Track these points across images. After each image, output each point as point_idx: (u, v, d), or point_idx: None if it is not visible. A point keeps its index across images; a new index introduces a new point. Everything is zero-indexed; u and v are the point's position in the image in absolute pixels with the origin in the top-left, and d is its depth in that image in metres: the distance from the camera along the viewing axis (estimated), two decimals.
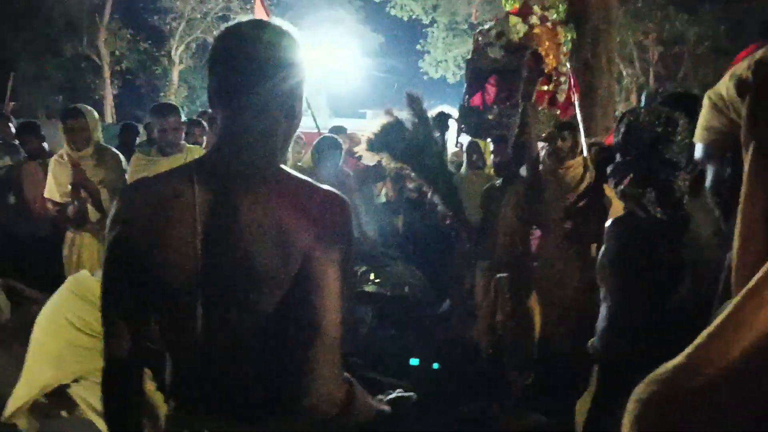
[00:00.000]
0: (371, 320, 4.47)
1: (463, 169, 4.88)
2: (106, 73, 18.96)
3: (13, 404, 1.87)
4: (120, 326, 1.16)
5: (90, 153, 3.63)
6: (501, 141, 3.64)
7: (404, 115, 3.30)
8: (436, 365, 3.87)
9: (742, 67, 0.68)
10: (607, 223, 1.71)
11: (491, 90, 4.37)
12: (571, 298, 3.12)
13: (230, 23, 1.17)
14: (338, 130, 5.55)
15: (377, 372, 4.07)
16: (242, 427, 1.15)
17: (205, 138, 4.48)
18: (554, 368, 2.92)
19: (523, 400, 3.01)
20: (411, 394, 1.41)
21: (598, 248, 1.83)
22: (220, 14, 19.04)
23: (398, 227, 5.53)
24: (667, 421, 0.59)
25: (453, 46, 17.35)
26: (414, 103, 3.29)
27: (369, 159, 3.43)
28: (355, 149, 3.55)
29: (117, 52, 19.20)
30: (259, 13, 5.36)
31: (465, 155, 4.88)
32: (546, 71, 3.98)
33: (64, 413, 1.86)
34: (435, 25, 17.26)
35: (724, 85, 0.71)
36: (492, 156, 3.85)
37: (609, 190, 2.71)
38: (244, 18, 1.18)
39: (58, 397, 1.84)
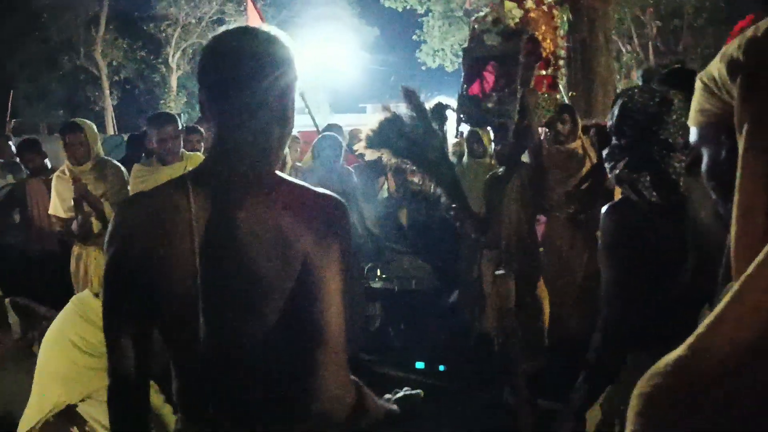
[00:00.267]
0: (380, 316, 4.47)
1: (464, 159, 4.86)
2: (105, 84, 19.02)
3: (23, 427, 1.88)
4: (123, 342, 1.16)
5: (90, 167, 3.64)
6: (502, 129, 3.61)
7: (402, 109, 3.27)
8: (442, 367, 3.87)
9: (732, 47, 0.66)
10: (603, 210, 1.66)
11: (489, 78, 4.33)
12: (579, 283, 3.10)
13: (216, 32, 1.16)
14: (332, 128, 5.47)
15: (389, 367, 4.08)
16: None
17: (203, 145, 4.47)
18: (566, 354, 2.90)
19: (535, 387, 3.00)
20: (418, 391, 1.41)
21: None
22: (214, 18, 19.03)
23: (402, 221, 5.52)
24: (671, 415, 0.57)
25: (449, 34, 17.23)
26: (410, 97, 3.26)
27: (369, 155, 3.41)
28: (355, 146, 3.53)
29: (114, 62, 19.25)
30: (252, 17, 5.33)
31: (466, 145, 4.86)
32: (544, 55, 3.94)
33: (75, 430, 1.87)
34: (430, 14, 17.15)
35: (716, 66, 0.69)
36: (493, 144, 3.82)
37: None
38: (237, 23, 1.17)
39: (67, 415, 1.85)
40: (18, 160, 4.76)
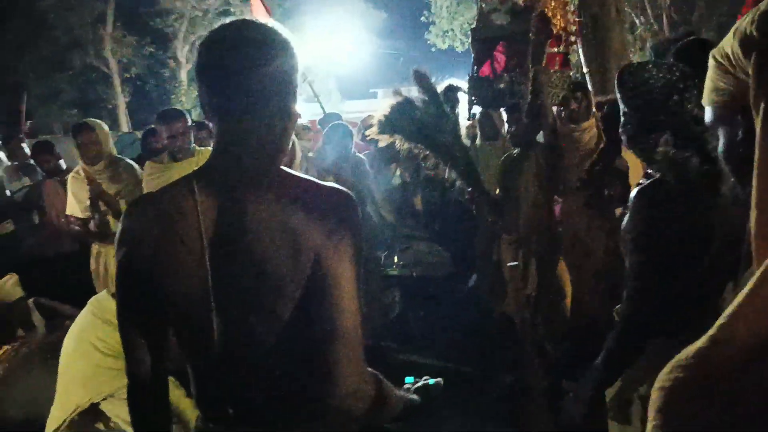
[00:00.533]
0: (399, 303, 4.47)
1: (477, 142, 4.81)
2: (117, 82, 19.12)
3: (50, 426, 1.92)
4: (138, 343, 1.17)
5: (104, 166, 3.67)
6: (514, 110, 3.56)
7: (414, 93, 3.23)
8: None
9: (745, 21, 0.62)
10: (632, 194, 1.57)
11: (500, 58, 4.27)
12: (599, 263, 3.06)
13: (213, 28, 1.14)
14: (331, 116, 5.35)
15: (409, 353, 4.09)
16: None
17: (212, 140, 4.47)
18: (588, 335, 2.88)
19: (558, 369, 2.98)
20: (438, 380, 1.40)
21: (622, 213, 1.74)
22: (220, 10, 18.97)
23: (417, 207, 5.49)
24: (690, 409, 0.56)
25: (458, 14, 17.01)
26: (422, 81, 3.22)
27: (382, 141, 3.38)
28: (366, 132, 3.50)
29: (124, 59, 19.32)
30: (257, 7, 5.29)
31: (478, 127, 4.80)
32: (554, 32, 3.86)
33: (100, 426, 1.91)
34: None
35: (729, 43, 0.65)
36: (506, 126, 3.77)
37: (627, 152, 2.61)
38: (243, 14, 1.15)
39: (92, 413, 1.89)
40: (33, 162, 4.82)
